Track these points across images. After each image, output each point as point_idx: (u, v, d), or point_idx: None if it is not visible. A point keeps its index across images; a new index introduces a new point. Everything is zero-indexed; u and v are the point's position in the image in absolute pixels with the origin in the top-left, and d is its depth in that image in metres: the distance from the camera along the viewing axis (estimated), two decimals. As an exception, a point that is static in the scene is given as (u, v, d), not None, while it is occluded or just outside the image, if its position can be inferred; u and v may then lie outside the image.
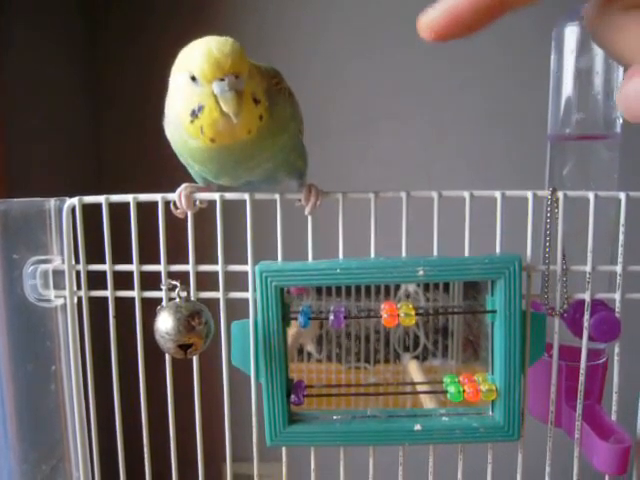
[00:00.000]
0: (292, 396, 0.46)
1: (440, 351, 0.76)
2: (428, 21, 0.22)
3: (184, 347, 0.42)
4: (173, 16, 1.06)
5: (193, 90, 0.38)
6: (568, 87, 0.48)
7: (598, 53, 0.47)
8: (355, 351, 0.79)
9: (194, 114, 0.39)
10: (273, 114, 0.41)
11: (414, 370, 0.75)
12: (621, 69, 0.48)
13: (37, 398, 0.52)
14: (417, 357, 0.79)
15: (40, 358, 0.51)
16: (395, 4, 1.07)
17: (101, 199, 0.48)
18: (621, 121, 0.49)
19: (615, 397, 0.48)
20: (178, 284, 0.43)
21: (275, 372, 0.46)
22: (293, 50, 1.09)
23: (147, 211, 0.49)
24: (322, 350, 0.79)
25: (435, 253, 0.46)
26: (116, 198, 0.48)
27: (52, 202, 0.49)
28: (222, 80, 0.37)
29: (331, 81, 1.09)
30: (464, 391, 0.46)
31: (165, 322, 0.42)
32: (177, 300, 0.43)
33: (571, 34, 0.48)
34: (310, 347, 0.80)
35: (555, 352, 0.47)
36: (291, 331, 0.50)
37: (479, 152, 1.08)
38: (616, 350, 0.47)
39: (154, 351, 0.45)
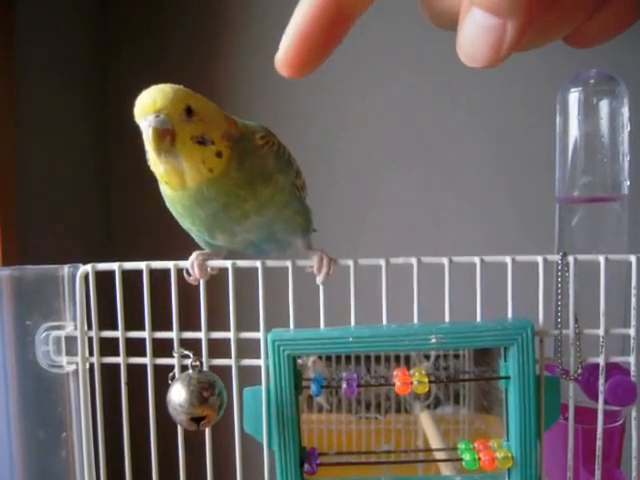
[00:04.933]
0: (306, 465, 0.45)
1: (451, 401, 0.75)
2: (281, 57, 0.22)
3: (197, 420, 0.41)
4: (182, 76, 1.08)
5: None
6: (574, 150, 0.49)
7: (603, 117, 0.48)
8: (365, 402, 0.79)
9: (148, 160, 0.42)
10: (245, 162, 0.42)
11: (427, 423, 0.74)
12: (626, 131, 0.49)
13: (47, 465, 0.52)
14: (428, 406, 0.78)
15: (51, 424, 0.51)
16: (395, 50, 1.09)
17: (114, 266, 0.48)
18: (628, 183, 0.49)
19: (635, 462, 0.47)
20: (191, 354, 0.44)
21: (288, 440, 0.45)
22: (294, 99, 1.11)
23: (159, 277, 0.49)
24: (332, 401, 0.78)
25: (447, 318, 0.46)
26: (129, 265, 0.48)
27: (65, 269, 0.50)
28: (145, 120, 0.39)
29: (333, 128, 1.10)
30: (479, 459, 0.45)
31: (178, 394, 0.41)
32: (190, 371, 0.43)
33: (575, 99, 0.48)
34: (321, 398, 0.79)
35: (571, 417, 0.46)
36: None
37: (486, 204, 1.07)
38: (634, 414, 0.47)
39: (166, 418, 0.45)
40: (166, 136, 0.39)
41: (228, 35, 1.11)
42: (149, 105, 0.39)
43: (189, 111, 0.40)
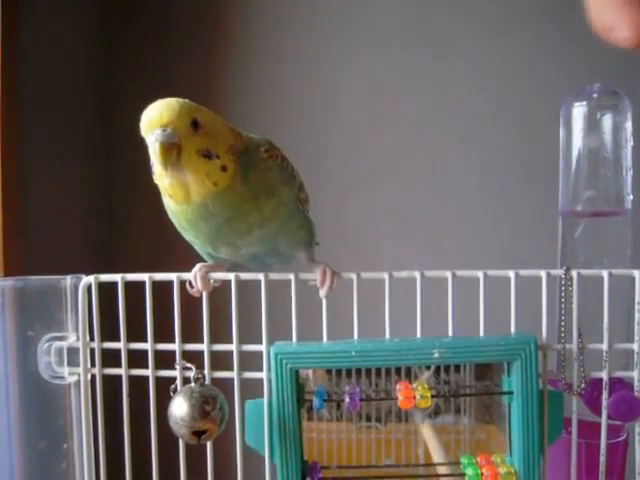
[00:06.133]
0: (307, 479, 0.45)
1: (452, 410, 0.75)
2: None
3: (198, 433, 0.41)
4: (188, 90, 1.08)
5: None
6: (578, 164, 0.49)
7: (606, 131, 0.48)
8: (366, 411, 0.78)
9: (153, 173, 0.42)
10: (250, 175, 0.42)
11: (428, 434, 0.73)
12: (630, 146, 0.49)
13: (48, 476, 0.51)
14: (429, 415, 0.77)
15: (52, 436, 0.51)
16: (398, 58, 1.09)
17: (117, 277, 0.48)
18: (632, 197, 0.49)
19: (639, 478, 0.46)
20: (193, 367, 0.43)
21: (290, 453, 0.45)
22: (294, 109, 1.11)
23: (161, 289, 0.49)
24: (333, 411, 0.78)
25: (450, 332, 0.46)
26: (132, 277, 0.48)
27: (68, 280, 0.50)
28: (152, 133, 0.39)
29: (332, 135, 1.10)
30: (482, 474, 0.45)
31: (179, 408, 0.41)
32: (192, 384, 0.42)
33: (579, 113, 0.48)
34: (321, 408, 0.78)
35: (574, 432, 0.46)
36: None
37: (489, 217, 1.07)
38: (637, 429, 0.46)
39: (167, 430, 0.45)
40: (172, 150, 0.39)
41: (228, 35, 1.11)
42: (156, 119, 0.39)
43: (195, 124, 0.40)
